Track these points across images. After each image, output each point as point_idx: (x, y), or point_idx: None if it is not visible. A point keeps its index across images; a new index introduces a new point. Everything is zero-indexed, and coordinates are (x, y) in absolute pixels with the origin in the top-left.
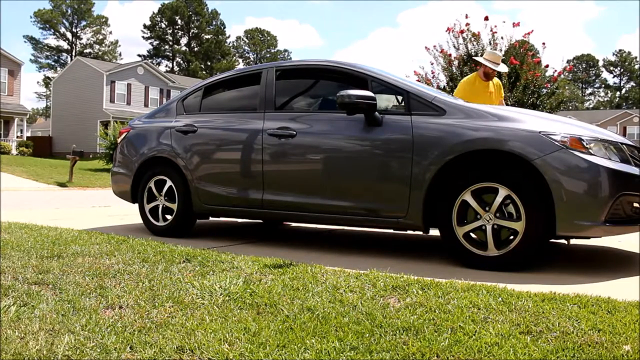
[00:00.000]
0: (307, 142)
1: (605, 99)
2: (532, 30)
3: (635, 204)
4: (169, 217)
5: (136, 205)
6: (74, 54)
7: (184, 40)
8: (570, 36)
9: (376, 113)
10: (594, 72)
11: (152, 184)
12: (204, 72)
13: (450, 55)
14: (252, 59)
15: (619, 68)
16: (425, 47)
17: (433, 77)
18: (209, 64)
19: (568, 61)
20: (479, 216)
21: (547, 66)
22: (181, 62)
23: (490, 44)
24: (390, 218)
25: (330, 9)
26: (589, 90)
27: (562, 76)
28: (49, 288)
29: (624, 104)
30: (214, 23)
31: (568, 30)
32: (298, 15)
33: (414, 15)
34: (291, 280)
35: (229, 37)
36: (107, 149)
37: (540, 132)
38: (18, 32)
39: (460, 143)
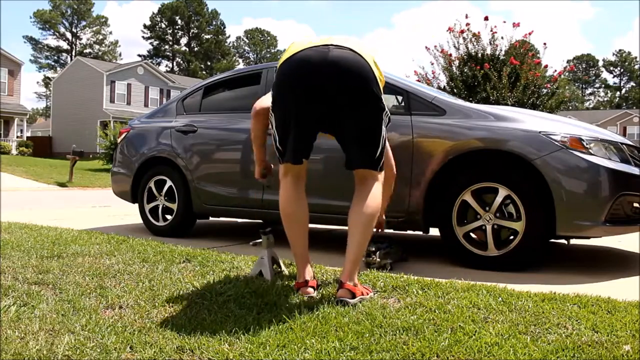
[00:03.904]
0: None
1: (605, 99)
2: (533, 31)
3: (635, 204)
4: (169, 217)
5: (136, 205)
6: (73, 54)
7: (184, 40)
8: (566, 37)
9: None
10: (594, 72)
11: (152, 184)
12: (204, 72)
13: (450, 55)
14: (252, 59)
15: (619, 68)
16: (426, 47)
17: (433, 77)
18: (209, 64)
19: (568, 61)
20: (479, 216)
21: (546, 66)
22: (181, 62)
23: (490, 44)
24: (390, 218)
25: (327, 9)
26: (589, 90)
27: (562, 76)
28: (49, 288)
29: (624, 104)
30: (214, 23)
31: (564, 31)
32: (295, 16)
33: (409, 16)
34: (291, 280)
35: (229, 37)
36: (107, 149)
37: (540, 132)
38: (18, 32)
39: (460, 143)
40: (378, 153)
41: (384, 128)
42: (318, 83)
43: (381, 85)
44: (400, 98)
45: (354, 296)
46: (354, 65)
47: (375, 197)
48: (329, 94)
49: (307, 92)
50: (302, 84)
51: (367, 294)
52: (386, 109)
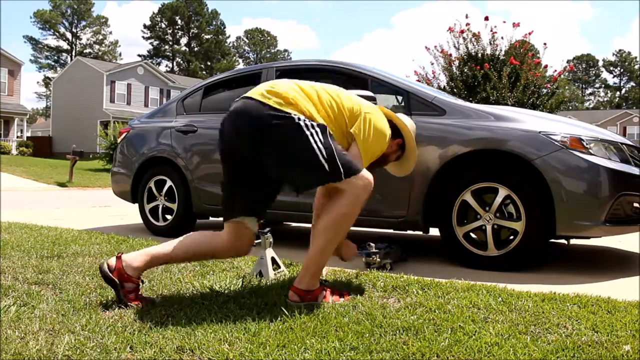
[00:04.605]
0: None
1: (605, 99)
2: (532, 31)
3: (635, 204)
4: (169, 217)
5: (136, 205)
6: (74, 54)
7: (184, 40)
8: (566, 37)
9: None
10: (594, 72)
11: (152, 184)
12: (204, 72)
13: (450, 55)
14: (252, 59)
15: (619, 68)
16: (426, 47)
17: (433, 78)
18: (209, 64)
19: (568, 61)
20: (479, 216)
21: (546, 66)
22: (181, 62)
23: (490, 44)
24: (390, 218)
25: (327, 9)
26: (589, 90)
27: (562, 76)
28: (49, 288)
29: (624, 104)
30: (214, 23)
31: (563, 32)
32: (295, 16)
33: (408, 17)
34: (291, 280)
35: (229, 37)
36: (107, 149)
37: (540, 132)
38: (18, 32)
39: (460, 143)
40: (327, 168)
41: (313, 143)
42: (222, 141)
43: (286, 108)
44: (400, 98)
45: (302, 299)
46: (240, 114)
47: (330, 209)
48: (233, 148)
49: (221, 153)
50: (219, 146)
51: (335, 300)
52: (303, 123)
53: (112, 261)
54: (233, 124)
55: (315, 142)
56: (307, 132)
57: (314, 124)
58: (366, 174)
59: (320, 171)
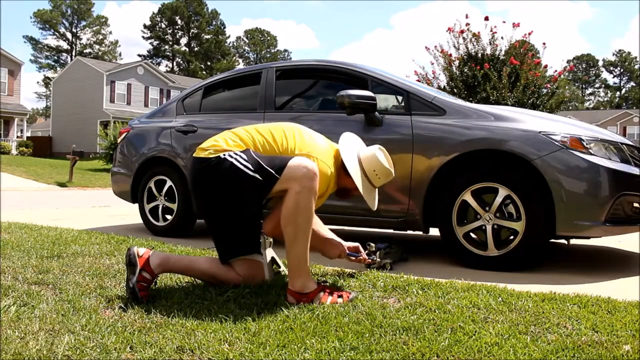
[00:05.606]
0: None
1: (605, 99)
2: (532, 31)
3: (635, 204)
4: (169, 217)
5: (136, 205)
6: (74, 54)
7: (184, 40)
8: (565, 37)
9: (376, 113)
10: (594, 72)
11: (152, 184)
12: (204, 72)
13: (450, 55)
14: (252, 59)
15: (619, 68)
16: (426, 47)
17: (434, 78)
18: (209, 64)
19: (568, 61)
20: (479, 216)
21: (546, 66)
22: (181, 62)
23: (490, 44)
24: (390, 218)
25: (326, 10)
26: (589, 90)
27: (562, 76)
28: (49, 288)
29: (624, 104)
30: (214, 23)
31: (562, 32)
32: (295, 16)
33: (407, 17)
34: None
35: (229, 37)
36: (107, 149)
37: (540, 132)
38: (18, 32)
39: (460, 143)
40: (259, 177)
41: (238, 164)
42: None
43: (215, 154)
44: (400, 98)
45: (297, 302)
46: (190, 173)
47: (282, 209)
48: (198, 202)
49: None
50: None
51: (333, 301)
52: (227, 155)
53: (142, 250)
54: (190, 182)
55: (240, 162)
56: (231, 160)
57: (236, 151)
58: (302, 161)
59: (256, 183)
